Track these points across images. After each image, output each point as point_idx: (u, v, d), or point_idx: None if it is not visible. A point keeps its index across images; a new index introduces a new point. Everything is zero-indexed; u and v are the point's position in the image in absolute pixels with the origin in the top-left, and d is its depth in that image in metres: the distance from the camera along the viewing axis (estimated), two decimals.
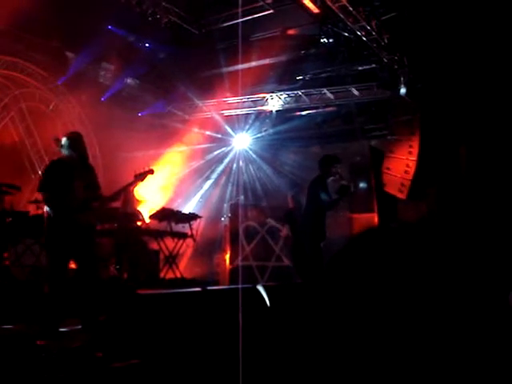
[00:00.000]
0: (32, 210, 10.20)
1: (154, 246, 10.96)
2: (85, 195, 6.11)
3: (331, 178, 8.51)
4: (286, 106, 14.38)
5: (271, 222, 11.73)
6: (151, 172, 7.00)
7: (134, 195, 11.13)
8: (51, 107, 12.76)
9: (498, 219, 9.65)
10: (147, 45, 12.87)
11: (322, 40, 12.25)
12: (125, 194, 10.43)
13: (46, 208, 6.08)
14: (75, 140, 6.30)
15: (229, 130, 15.45)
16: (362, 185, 14.21)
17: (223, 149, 16.26)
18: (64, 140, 6.30)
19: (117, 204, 9.87)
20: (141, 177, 6.88)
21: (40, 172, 12.29)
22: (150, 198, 12.48)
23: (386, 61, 11.57)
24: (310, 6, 10.00)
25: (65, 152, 6.23)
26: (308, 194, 8.82)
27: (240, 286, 6.15)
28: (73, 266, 6.25)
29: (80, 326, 5.87)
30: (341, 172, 8.56)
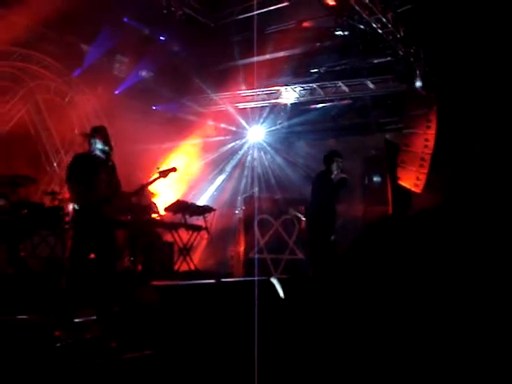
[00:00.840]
0: (47, 201, 10.27)
1: (169, 238, 11.00)
2: (108, 191, 6.17)
3: (335, 172, 8.75)
4: (301, 98, 14.33)
5: (292, 211, 11.69)
6: (174, 170, 7.04)
7: (148, 188, 11.18)
8: (67, 99, 12.81)
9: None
10: (162, 38, 12.87)
11: (337, 32, 12.19)
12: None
13: (70, 202, 6.16)
14: (102, 133, 6.35)
15: (243, 122, 15.45)
16: (376, 178, 14.18)
17: (237, 141, 16.27)
18: (91, 133, 6.37)
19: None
20: (164, 174, 6.91)
21: (55, 164, 12.37)
22: (164, 190, 12.52)
23: (401, 54, 11.50)
24: None
25: (92, 145, 6.29)
26: (312, 188, 9.05)
27: (256, 278, 6.15)
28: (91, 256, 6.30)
29: (95, 317, 5.91)
30: (342, 166, 8.76)
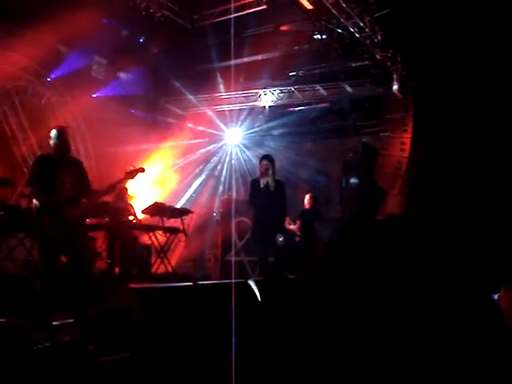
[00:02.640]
0: (24, 204, 10.20)
1: (146, 240, 10.97)
2: (74, 190, 6.13)
3: (261, 176, 8.99)
4: (279, 101, 14.39)
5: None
6: (142, 170, 7.02)
7: (126, 190, 11.14)
8: (43, 101, 12.71)
9: (487, 217, 9.72)
10: (141, 40, 12.84)
11: (315, 36, 12.26)
12: (117, 188, 10.47)
13: (34, 202, 6.11)
14: (61, 134, 6.33)
15: (221, 125, 15.47)
16: (353, 180, 14.27)
17: (216, 144, 16.28)
18: (52, 133, 6.35)
19: (109, 198, 9.88)
20: (131, 175, 6.89)
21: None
22: (142, 192, 12.49)
23: (378, 58, 11.61)
24: (304, 2, 10.04)
25: (53, 146, 6.28)
26: None
27: (233, 281, 6.16)
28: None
29: (72, 320, 5.89)
30: (266, 167, 8.93)
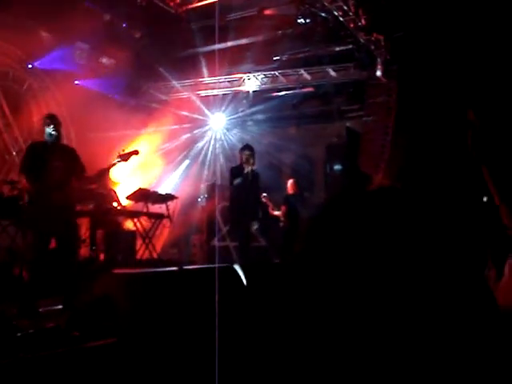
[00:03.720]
0: (6, 190, 10.12)
1: (131, 226, 10.94)
2: (64, 176, 6.12)
3: (244, 165, 9.21)
4: (263, 86, 14.35)
5: (265, 197, 11.73)
6: (136, 153, 7.00)
7: (109, 176, 11.07)
8: (25, 87, 12.60)
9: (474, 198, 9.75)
10: (124, 24, 12.73)
11: (299, 20, 12.23)
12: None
13: (25, 189, 6.13)
14: (50, 120, 6.32)
15: (205, 110, 15.41)
16: (337, 166, 14.28)
17: (200, 129, 16.22)
18: (43, 121, 6.35)
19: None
20: (124, 157, 6.85)
21: (14, 153, 12.18)
22: (126, 178, 12.43)
23: (362, 41, 11.60)
24: None
25: (44, 133, 6.28)
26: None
27: (216, 266, 6.17)
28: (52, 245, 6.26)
29: (59, 307, 5.88)
30: (247, 158, 9.18)
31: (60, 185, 6.05)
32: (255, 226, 9.21)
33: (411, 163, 11.65)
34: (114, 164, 6.90)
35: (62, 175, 6.12)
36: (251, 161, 9.17)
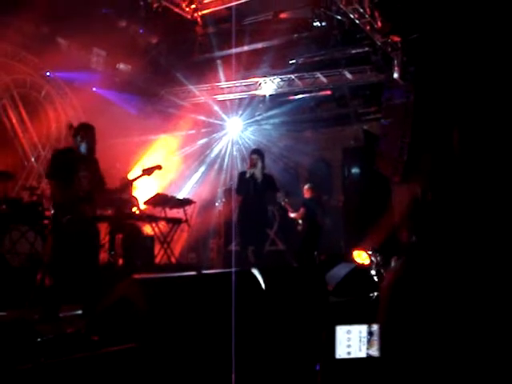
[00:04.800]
0: (26, 196, 10.20)
1: (149, 231, 10.97)
2: (90, 187, 6.14)
3: (250, 169, 9.20)
4: (279, 90, 14.34)
5: (281, 197, 11.71)
6: (159, 168, 7.06)
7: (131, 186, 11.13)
8: (43, 94, 12.70)
9: (493, 204, 9.68)
10: (140, 30, 12.77)
11: (314, 23, 12.21)
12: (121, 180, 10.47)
13: (51, 199, 6.14)
14: (86, 131, 6.31)
15: (222, 115, 15.44)
16: (355, 169, 14.23)
17: (217, 134, 16.26)
18: (75, 129, 6.35)
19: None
20: (148, 171, 6.91)
21: (33, 159, 12.27)
22: (144, 183, 12.48)
23: (379, 44, 11.54)
24: None
25: (74, 141, 6.27)
26: None
27: (233, 270, 6.17)
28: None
29: (79, 312, 5.90)
30: (255, 161, 9.16)
31: (87, 195, 6.06)
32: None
33: (438, 168, 11.57)
34: (138, 178, 6.95)
35: (88, 185, 6.13)
36: (259, 164, 9.14)
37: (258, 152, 9.43)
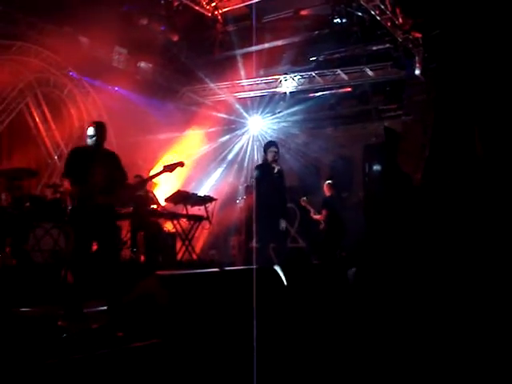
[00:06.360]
0: (49, 194, 10.30)
1: (170, 228, 11.03)
2: (106, 182, 6.19)
3: (271, 162, 8.79)
4: (300, 87, 14.35)
5: (305, 201, 11.66)
6: (181, 164, 7.04)
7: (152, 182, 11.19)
8: (65, 92, 12.80)
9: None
10: (162, 28, 12.81)
11: (335, 20, 12.20)
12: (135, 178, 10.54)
13: (69, 196, 6.22)
14: (95, 128, 6.40)
15: (243, 112, 15.47)
16: (376, 166, 14.17)
17: (237, 131, 16.30)
18: (88, 128, 6.44)
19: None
20: (170, 168, 6.92)
21: (56, 157, 12.39)
22: (165, 180, 12.53)
23: (400, 40, 11.50)
24: None
25: (88, 138, 6.37)
26: (255, 180, 9.23)
27: (254, 267, 6.20)
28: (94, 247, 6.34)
29: (103, 308, 5.95)
30: (276, 155, 8.78)
31: (103, 189, 6.12)
32: (283, 225, 8.87)
33: (451, 162, 11.53)
34: (159, 174, 6.97)
35: (104, 180, 6.18)
36: (277, 158, 8.82)
37: (276, 145, 9.05)
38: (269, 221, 8.87)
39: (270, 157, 8.79)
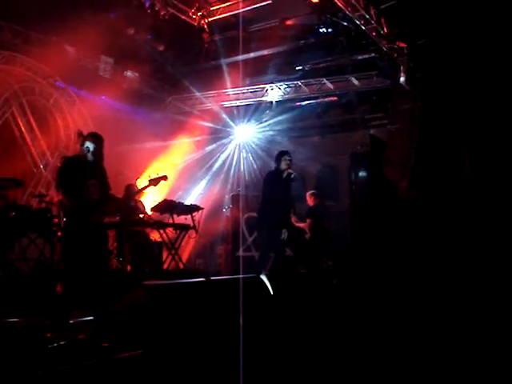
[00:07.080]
0: (35, 203, 10.26)
1: (157, 237, 11.00)
2: (99, 195, 6.19)
3: (284, 170, 8.87)
4: (286, 96, 14.40)
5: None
6: (165, 178, 7.12)
7: (136, 186, 11.17)
8: (51, 101, 12.75)
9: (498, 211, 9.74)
10: (149, 36, 12.82)
11: (320, 30, 12.26)
12: (128, 186, 10.53)
13: (61, 206, 6.20)
14: (93, 140, 6.35)
15: (229, 121, 15.50)
16: (362, 174, 14.22)
17: (224, 140, 16.31)
18: (83, 138, 6.40)
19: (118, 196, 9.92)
20: (154, 182, 6.99)
21: (42, 166, 12.33)
22: (151, 190, 12.52)
23: (385, 50, 11.58)
24: None
25: (81, 149, 6.31)
26: (263, 186, 9.33)
27: (241, 276, 6.21)
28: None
29: (89, 318, 5.93)
30: (290, 163, 8.93)
31: (96, 203, 6.11)
32: (284, 235, 8.86)
33: (437, 171, 11.59)
34: (144, 188, 7.01)
35: (97, 193, 6.17)
36: (291, 166, 8.92)
37: (289, 154, 9.13)
38: (271, 230, 8.85)
39: (283, 165, 8.89)
